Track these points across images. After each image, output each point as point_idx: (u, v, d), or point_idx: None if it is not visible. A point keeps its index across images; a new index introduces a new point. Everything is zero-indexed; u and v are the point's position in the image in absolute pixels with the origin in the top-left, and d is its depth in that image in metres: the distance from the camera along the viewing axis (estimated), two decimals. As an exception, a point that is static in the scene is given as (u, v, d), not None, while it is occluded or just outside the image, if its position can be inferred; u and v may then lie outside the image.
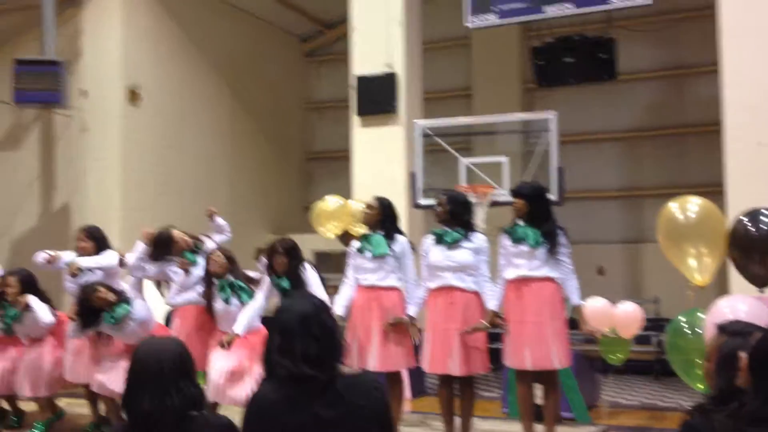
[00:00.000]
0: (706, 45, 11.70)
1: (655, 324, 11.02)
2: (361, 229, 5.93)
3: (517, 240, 5.33)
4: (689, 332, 5.32)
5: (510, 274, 5.39)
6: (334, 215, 8.82)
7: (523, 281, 5.32)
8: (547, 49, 11.84)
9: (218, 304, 6.18)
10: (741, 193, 9.02)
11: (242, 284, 6.18)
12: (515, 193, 5.46)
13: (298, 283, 5.73)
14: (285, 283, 5.81)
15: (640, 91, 15.02)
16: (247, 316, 5.96)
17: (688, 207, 5.46)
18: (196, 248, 6.74)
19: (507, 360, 5.50)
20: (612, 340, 7.81)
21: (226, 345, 5.90)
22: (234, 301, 6.12)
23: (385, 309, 5.66)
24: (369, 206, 5.90)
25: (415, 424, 7.40)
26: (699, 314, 5.37)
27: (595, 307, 7.97)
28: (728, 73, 9.51)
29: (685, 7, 14.21)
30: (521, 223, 5.38)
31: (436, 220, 5.82)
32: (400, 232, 5.88)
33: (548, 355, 5.24)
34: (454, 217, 5.73)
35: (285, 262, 5.81)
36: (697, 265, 5.40)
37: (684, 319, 5.41)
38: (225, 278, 6.18)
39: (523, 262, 5.32)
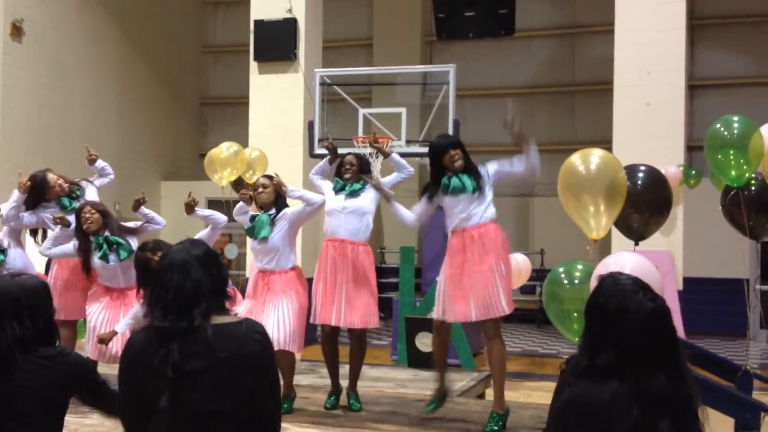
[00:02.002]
0: (602, 6, 11.99)
1: (540, 275, 11.40)
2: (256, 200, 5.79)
3: (455, 191, 5.31)
4: (566, 282, 5.46)
5: (451, 225, 5.39)
6: (228, 162, 8.62)
7: (464, 231, 5.31)
8: (449, 3, 11.84)
9: (95, 261, 5.94)
10: (628, 151, 9.36)
11: (119, 239, 5.91)
12: (455, 144, 5.40)
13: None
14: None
15: (536, 48, 15.30)
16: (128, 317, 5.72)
17: (590, 159, 5.53)
18: (73, 194, 6.40)
19: (449, 315, 5.38)
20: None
21: (105, 341, 5.67)
22: (112, 257, 5.87)
23: (279, 290, 5.56)
24: (263, 185, 5.74)
25: (305, 372, 7.45)
26: (577, 266, 5.53)
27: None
28: (620, 34, 9.79)
29: (583, -33, 14.50)
30: (450, 174, 5.33)
31: (347, 180, 5.78)
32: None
33: (496, 302, 5.20)
34: (362, 174, 5.82)
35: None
36: (594, 219, 5.50)
37: (561, 270, 5.56)
38: (100, 234, 5.91)
39: (463, 209, 5.29)
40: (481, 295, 5.18)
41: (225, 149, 8.63)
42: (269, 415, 2.44)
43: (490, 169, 5.42)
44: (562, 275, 5.50)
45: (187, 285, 2.39)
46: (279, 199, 5.72)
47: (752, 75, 13.96)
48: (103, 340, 5.69)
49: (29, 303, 2.74)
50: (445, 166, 5.35)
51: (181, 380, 2.30)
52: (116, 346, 5.79)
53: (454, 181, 5.31)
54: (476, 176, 5.32)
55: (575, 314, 5.32)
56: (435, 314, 5.46)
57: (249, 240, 5.84)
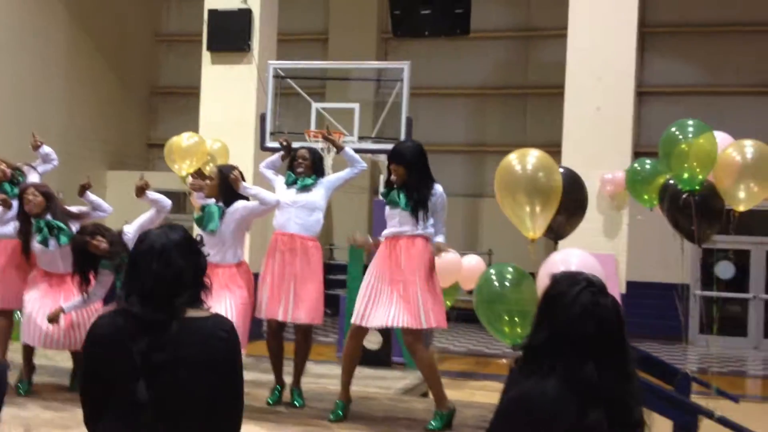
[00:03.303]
0: (556, 10, 12.12)
1: (490, 276, 11.48)
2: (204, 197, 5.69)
3: (391, 203, 5.30)
4: (497, 285, 5.48)
5: (385, 233, 5.37)
6: (188, 153, 8.47)
7: (395, 239, 5.30)
8: (405, 0, 11.85)
9: (35, 245, 5.79)
10: (577, 154, 9.49)
11: (61, 224, 5.76)
12: (396, 156, 5.32)
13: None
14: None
15: (491, 49, 15.41)
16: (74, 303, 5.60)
17: (527, 159, 5.56)
18: (15, 179, 6.24)
19: (368, 321, 5.34)
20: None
21: (54, 320, 5.54)
22: (52, 242, 5.73)
23: (224, 285, 5.48)
24: (209, 177, 5.65)
25: (248, 367, 7.36)
26: (508, 268, 5.57)
27: (445, 258, 8.18)
28: (573, 38, 9.91)
29: (538, -29, 14.66)
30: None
31: (297, 173, 5.73)
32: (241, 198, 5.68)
33: (415, 315, 5.19)
34: (315, 171, 5.76)
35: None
36: (530, 218, 5.54)
37: (493, 272, 5.59)
38: (42, 217, 5.77)
39: (399, 222, 5.29)
40: (402, 305, 5.16)
41: (186, 139, 8.48)
42: (231, 413, 2.38)
43: (437, 201, 5.33)
44: (493, 277, 5.53)
45: (167, 274, 2.32)
46: (229, 192, 5.62)
47: (699, 84, 14.28)
48: (52, 319, 5.55)
49: None
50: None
51: (147, 372, 2.25)
52: (56, 333, 5.66)
53: (393, 194, 5.31)
54: (418, 198, 5.24)
55: (506, 317, 5.35)
56: (354, 319, 5.39)
57: (196, 230, 5.73)
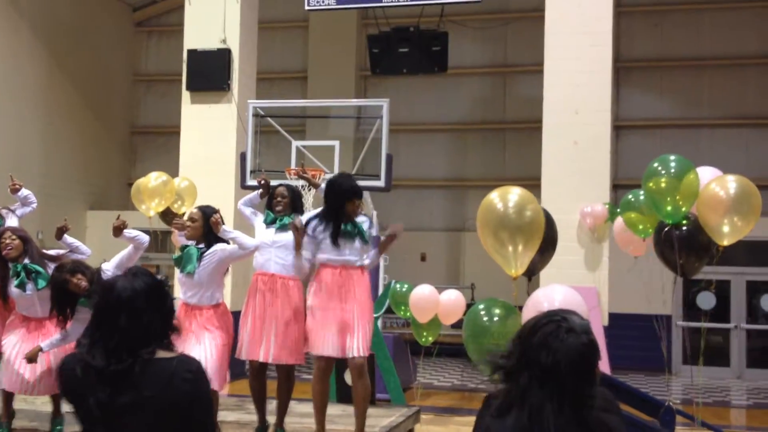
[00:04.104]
0: (532, 46, 12.30)
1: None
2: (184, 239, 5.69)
3: (348, 235, 5.37)
4: (486, 319, 5.50)
5: (326, 259, 5.40)
6: (156, 192, 8.45)
7: (334, 267, 5.35)
8: (383, 38, 11.99)
9: (12, 289, 5.73)
10: (556, 188, 9.58)
11: (38, 268, 5.70)
12: (361, 193, 5.50)
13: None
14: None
15: (468, 85, 15.57)
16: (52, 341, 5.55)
17: (508, 197, 5.59)
18: None
19: (312, 347, 5.43)
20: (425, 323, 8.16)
21: (32, 359, 5.48)
22: (29, 286, 5.67)
23: (201, 326, 5.46)
24: (192, 219, 5.64)
25: (232, 408, 7.29)
26: (497, 302, 5.59)
27: (422, 294, 8.20)
28: (549, 74, 10.04)
29: (515, 8, 14.87)
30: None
31: (276, 211, 5.73)
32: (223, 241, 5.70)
33: (349, 343, 5.26)
34: (294, 209, 5.75)
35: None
36: (513, 257, 5.56)
37: (482, 307, 5.61)
38: (20, 261, 5.72)
39: (350, 252, 5.34)
40: (341, 333, 5.27)
41: (153, 179, 8.48)
42: None
43: (370, 229, 5.52)
44: (482, 312, 5.55)
45: (135, 327, 2.29)
46: (210, 234, 5.60)
47: (675, 117, 14.48)
48: (31, 359, 5.47)
49: None
50: (345, 210, 5.39)
51: (108, 416, 2.23)
52: (34, 378, 5.58)
53: (350, 226, 5.37)
54: (365, 228, 5.41)
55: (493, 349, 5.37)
56: (310, 348, 5.47)
57: (176, 271, 5.70)
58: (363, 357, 5.33)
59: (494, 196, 5.66)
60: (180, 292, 5.69)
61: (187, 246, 5.61)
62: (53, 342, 5.53)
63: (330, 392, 8.62)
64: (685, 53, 14.40)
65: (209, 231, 5.54)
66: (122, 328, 2.28)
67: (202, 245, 5.57)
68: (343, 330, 5.31)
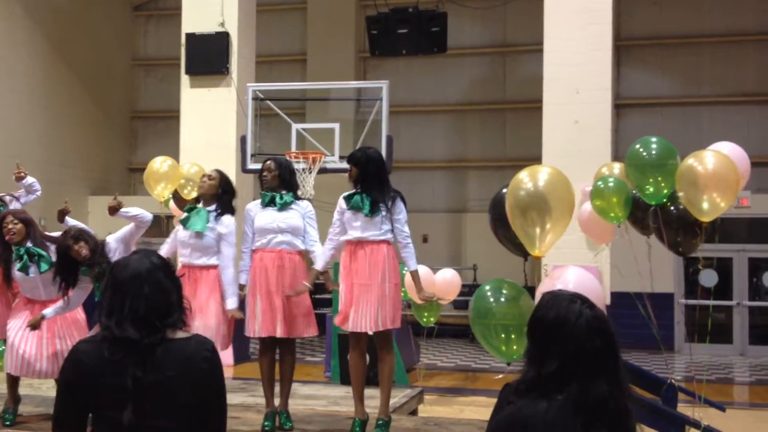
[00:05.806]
0: (531, 25, 12.24)
1: (473, 290, 11.49)
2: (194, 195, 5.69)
3: (353, 208, 5.34)
4: (492, 300, 5.49)
5: (347, 236, 5.41)
6: (164, 177, 8.49)
7: (358, 244, 5.34)
8: (382, 19, 11.94)
9: (16, 273, 5.75)
10: (557, 168, 9.54)
11: (41, 251, 5.72)
12: (348, 159, 5.46)
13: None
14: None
15: (468, 66, 15.51)
16: (55, 309, 5.57)
17: (538, 176, 5.52)
18: None
19: (337, 321, 5.48)
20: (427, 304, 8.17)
21: (35, 326, 5.50)
22: (32, 269, 5.69)
23: (201, 290, 5.48)
24: (209, 176, 5.65)
25: (236, 390, 7.33)
26: (504, 283, 5.58)
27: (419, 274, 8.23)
28: (549, 53, 9.99)
29: (514, -12, 14.79)
30: (358, 190, 5.38)
31: (263, 187, 5.69)
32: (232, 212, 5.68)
33: (374, 317, 5.25)
34: (283, 183, 5.66)
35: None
36: (538, 237, 5.48)
37: (488, 287, 5.60)
38: (22, 245, 5.73)
39: (359, 225, 5.34)
40: (371, 307, 5.22)
41: (161, 164, 8.54)
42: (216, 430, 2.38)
43: (397, 212, 5.39)
44: (489, 293, 5.55)
45: (159, 296, 2.34)
46: (225, 196, 5.61)
47: (676, 95, 14.43)
48: (34, 326, 5.50)
49: None
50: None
51: (136, 396, 2.26)
52: (40, 362, 5.61)
53: (356, 198, 5.35)
54: (375, 200, 5.32)
55: (502, 333, 5.36)
56: (336, 322, 5.46)
57: (180, 232, 5.65)
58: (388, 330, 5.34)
59: (523, 175, 5.62)
60: (181, 254, 5.67)
61: (194, 206, 5.62)
62: (57, 309, 5.57)
63: (335, 374, 8.69)
64: (685, 31, 14.33)
65: (224, 193, 5.57)
66: (147, 297, 2.33)
67: (211, 207, 5.58)
68: (381, 303, 5.31)
